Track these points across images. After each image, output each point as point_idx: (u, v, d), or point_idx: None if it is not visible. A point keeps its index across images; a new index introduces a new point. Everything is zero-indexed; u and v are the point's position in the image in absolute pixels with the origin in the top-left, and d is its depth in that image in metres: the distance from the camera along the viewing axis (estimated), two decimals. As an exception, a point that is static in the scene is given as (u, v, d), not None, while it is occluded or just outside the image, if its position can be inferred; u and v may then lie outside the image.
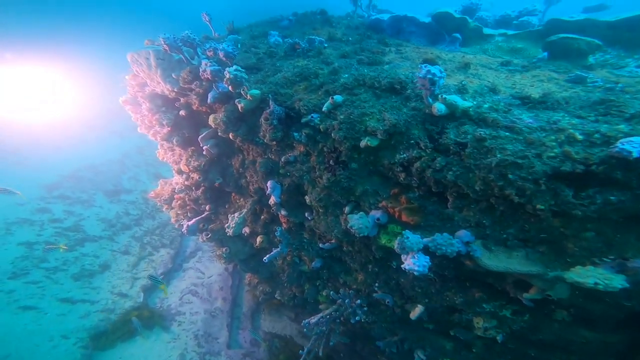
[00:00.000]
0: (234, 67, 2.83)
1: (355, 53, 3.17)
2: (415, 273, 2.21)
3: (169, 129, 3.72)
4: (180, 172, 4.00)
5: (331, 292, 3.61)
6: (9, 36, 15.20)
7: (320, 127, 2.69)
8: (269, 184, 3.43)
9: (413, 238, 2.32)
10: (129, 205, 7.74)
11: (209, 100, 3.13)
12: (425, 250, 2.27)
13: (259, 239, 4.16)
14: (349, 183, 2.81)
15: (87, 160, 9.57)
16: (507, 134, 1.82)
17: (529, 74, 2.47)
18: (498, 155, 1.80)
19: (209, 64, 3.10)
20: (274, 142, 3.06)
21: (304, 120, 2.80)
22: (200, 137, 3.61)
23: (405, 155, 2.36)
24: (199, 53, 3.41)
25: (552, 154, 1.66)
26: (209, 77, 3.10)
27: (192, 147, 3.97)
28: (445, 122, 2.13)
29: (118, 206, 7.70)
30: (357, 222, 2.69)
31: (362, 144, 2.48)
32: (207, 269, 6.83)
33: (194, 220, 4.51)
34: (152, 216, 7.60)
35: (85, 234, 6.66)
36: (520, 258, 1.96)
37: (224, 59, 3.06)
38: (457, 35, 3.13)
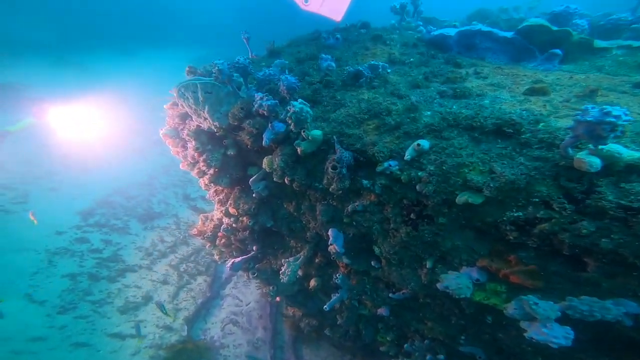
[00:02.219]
0: (299, 100, 2.45)
1: (427, 80, 2.73)
2: (552, 346, 1.85)
3: (216, 170, 3.45)
4: (228, 214, 3.73)
5: (406, 345, 3.24)
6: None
7: (402, 178, 2.29)
8: (330, 232, 3.09)
9: (545, 305, 1.94)
10: (162, 231, 7.72)
11: (264, 143, 2.79)
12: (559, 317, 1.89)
13: (312, 282, 3.86)
14: (434, 238, 2.41)
15: (116, 183, 9.67)
16: None
17: (687, 104, 1.95)
18: None
19: (264, 97, 2.77)
20: (340, 191, 2.69)
21: (379, 169, 2.41)
22: (250, 180, 3.31)
23: (521, 213, 1.93)
24: (244, 81, 3.06)
25: None
26: (265, 112, 2.76)
27: (239, 187, 3.70)
28: (594, 177, 1.67)
29: (152, 233, 7.69)
30: (455, 282, 2.31)
31: (460, 200, 2.07)
32: (244, 295, 6.67)
33: (240, 258, 4.28)
34: (186, 242, 7.53)
35: (125, 264, 6.67)
36: None
37: (284, 91, 2.68)
38: (557, 51, 2.60)
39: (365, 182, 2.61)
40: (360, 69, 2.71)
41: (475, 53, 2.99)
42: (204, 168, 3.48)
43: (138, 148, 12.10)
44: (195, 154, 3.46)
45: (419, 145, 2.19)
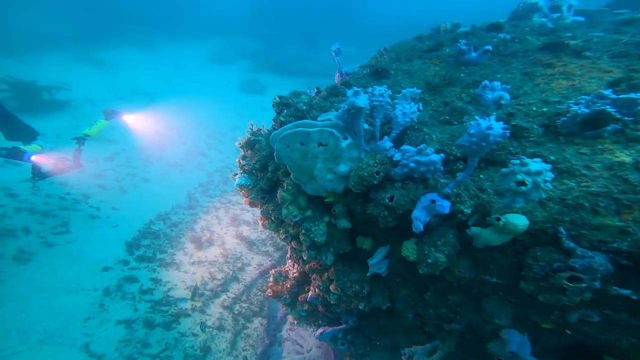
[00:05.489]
0: (534, 159, 1.41)
1: None
2: None
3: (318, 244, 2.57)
4: (326, 290, 2.87)
5: None
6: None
7: None
8: (509, 336, 2.13)
9: None
10: (210, 266, 7.15)
11: (415, 228, 1.83)
12: None
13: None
14: None
15: (156, 205, 9.20)
16: None
17: None
18: None
19: (422, 151, 1.81)
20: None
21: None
22: (371, 262, 2.40)
23: None
24: (376, 126, 2.09)
25: None
26: (429, 176, 1.84)
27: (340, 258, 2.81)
28: None
29: (200, 269, 7.14)
30: None
31: None
32: (304, 339, 5.93)
33: (330, 328, 3.45)
34: (236, 278, 6.91)
35: (177, 307, 6.16)
36: None
37: (476, 145, 1.62)
38: None
39: (622, 291, 1.61)
40: (606, 108, 1.62)
41: None
42: (302, 238, 2.61)
43: (173, 161, 11.54)
44: (291, 222, 2.59)
45: None
